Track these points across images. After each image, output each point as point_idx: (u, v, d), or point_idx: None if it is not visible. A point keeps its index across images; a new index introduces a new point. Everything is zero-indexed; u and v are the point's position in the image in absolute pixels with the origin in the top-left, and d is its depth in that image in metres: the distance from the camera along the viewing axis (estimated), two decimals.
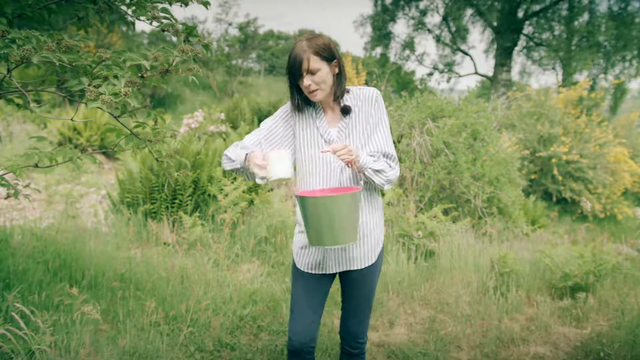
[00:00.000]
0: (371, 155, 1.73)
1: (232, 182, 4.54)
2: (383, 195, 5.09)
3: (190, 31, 1.53)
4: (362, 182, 1.74)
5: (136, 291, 3.13)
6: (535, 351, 2.92)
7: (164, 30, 1.51)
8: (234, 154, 1.75)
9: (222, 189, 4.50)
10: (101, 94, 1.25)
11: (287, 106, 1.85)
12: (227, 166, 1.78)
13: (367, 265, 1.83)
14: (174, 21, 1.52)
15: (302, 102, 1.78)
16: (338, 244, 1.58)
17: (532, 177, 9.82)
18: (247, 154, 1.71)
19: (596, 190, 9.62)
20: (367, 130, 1.77)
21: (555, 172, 9.45)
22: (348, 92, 1.79)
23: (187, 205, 4.66)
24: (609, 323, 3.25)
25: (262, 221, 4.31)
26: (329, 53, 1.70)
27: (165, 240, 4.21)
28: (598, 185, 9.58)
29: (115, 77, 1.30)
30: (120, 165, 7.43)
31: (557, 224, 8.94)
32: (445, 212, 5.36)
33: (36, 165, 1.44)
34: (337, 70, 1.74)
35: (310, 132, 1.79)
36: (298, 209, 1.81)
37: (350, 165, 1.66)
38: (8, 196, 1.48)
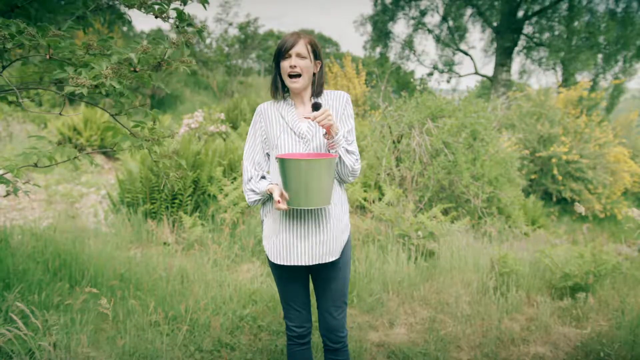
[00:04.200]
0: (346, 138, 1.83)
1: (232, 182, 4.54)
2: (381, 196, 5.09)
3: (179, 15, 1.52)
4: (334, 153, 1.82)
5: (136, 291, 3.13)
6: (535, 351, 2.92)
7: (156, 17, 1.49)
8: (256, 187, 1.86)
9: (222, 189, 4.50)
10: (81, 77, 1.23)
11: (255, 115, 1.94)
12: (252, 198, 1.89)
13: (332, 259, 1.87)
14: (164, 7, 1.50)
15: (280, 88, 1.89)
16: (312, 205, 1.67)
17: (532, 177, 9.81)
18: (268, 184, 1.84)
19: (596, 190, 9.61)
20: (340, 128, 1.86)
21: (555, 172, 9.44)
22: (321, 93, 1.92)
23: (187, 205, 4.66)
24: (609, 323, 3.25)
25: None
26: (317, 51, 1.85)
27: (165, 240, 4.21)
28: (598, 185, 9.56)
29: (98, 63, 1.28)
30: (120, 165, 7.44)
31: (557, 224, 8.93)
32: (445, 212, 5.36)
33: (35, 165, 1.44)
34: (317, 69, 1.88)
35: (281, 128, 1.87)
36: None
37: (327, 136, 1.75)
38: (7, 194, 1.48)
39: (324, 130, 1.76)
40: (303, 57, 1.79)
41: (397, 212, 4.54)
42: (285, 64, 1.80)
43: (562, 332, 3.16)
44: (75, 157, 1.47)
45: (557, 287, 3.71)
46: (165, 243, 4.19)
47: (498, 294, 3.53)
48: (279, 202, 1.73)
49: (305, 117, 1.71)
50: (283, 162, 1.65)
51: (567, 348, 2.98)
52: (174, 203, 4.66)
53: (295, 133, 1.84)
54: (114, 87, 1.29)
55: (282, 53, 1.79)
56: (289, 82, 1.82)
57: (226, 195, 4.39)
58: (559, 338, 3.09)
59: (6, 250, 3.19)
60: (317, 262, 1.84)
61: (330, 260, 1.86)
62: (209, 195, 4.76)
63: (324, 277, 1.94)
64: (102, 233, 4.42)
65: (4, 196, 1.49)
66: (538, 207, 8.08)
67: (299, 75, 1.80)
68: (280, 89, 1.90)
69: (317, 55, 1.85)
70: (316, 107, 1.82)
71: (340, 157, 1.80)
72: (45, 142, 7.65)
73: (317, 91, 1.89)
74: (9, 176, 1.55)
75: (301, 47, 1.78)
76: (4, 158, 1.38)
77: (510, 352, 2.89)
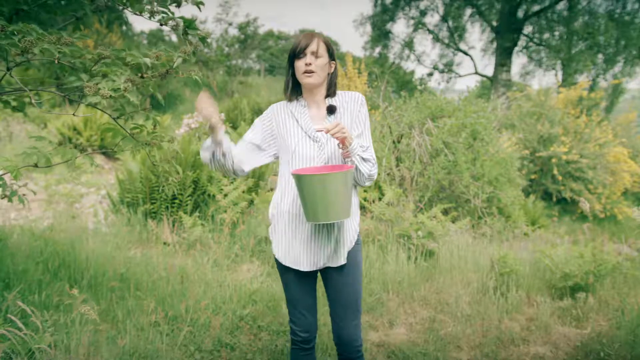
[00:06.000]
0: (360, 146, 1.78)
1: (232, 182, 4.54)
2: (381, 196, 5.09)
3: (189, 24, 1.52)
4: (350, 162, 1.77)
5: (136, 291, 3.13)
6: (535, 351, 2.92)
7: (162, 24, 1.50)
8: (205, 145, 1.78)
9: (221, 189, 4.50)
10: (100, 89, 1.24)
11: (266, 113, 1.90)
12: (206, 155, 1.78)
13: (339, 264, 1.84)
14: (171, 14, 1.50)
15: (293, 89, 1.86)
16: (331, 219, 1.64)
17: (532, 177, 9.80)
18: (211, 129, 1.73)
19: (596, 190, 9.60)
20: (353, 132, 1.83)
21: (555, 172, 9.44)
22: (335, 94, 1.89)
23: (187, 205, 4.66)
24: (609, 323, 3.25)
25: (262, 221, 4.31)
26: (331, 51, 1.84)
27: (165, 240, 4.21)
28: (598, 185, 9.56)
29: (115, 74, 1.29)
30: (120, 165, 7.43)
31: (557, 224, 8.93)
32: (445, 212, 5.36)
33: (35, 165, 1.44)
34: (332, 70, 1.85)
35: (293, 129, 1.83)
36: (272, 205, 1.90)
37: (341, 146, 1.70)
38: (4, 197, 1.47)
39: (338, 140, 1.71)
40: (318, 56, 1.77)
41: (397, 212, 4.54)
42: (300, 63, 1.78)
43: (562, 332, 3.16)
44: (75, 158, 1.47)
45: (557, 287, 3.71)
46: (165, 243, 4.18)
47: (498, 294, 3.53)
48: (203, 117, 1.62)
49: (317, 130, 1.65)
50: (299, 178, 1.63)
51: (567, 348, 2.97)
52: (174, 203, 4.66)
53: (309, 137, 1.80)
54: (130, 100, 1.30)
55: (296, 53, 1.78)
56: (302, 77, 1.79)
57: (226, 195, 4.39)
58: (559, 338, 3.09)
59: (6, 251, 3.19)
60: (323, 267, 1.82)
61: (338, 264, 1.83)
62: (208, 195, 4.76)
63: (334, 283, 1.90)
64: (102, 233, 4.42)
65: (1, 198, 1.49)
66: (538, 207, 8.08)
67: (313, 72, 1.78)
68: (293, 89, 1.86)
69: (331, 55, 1.83)
70: (331, 110, 1.80)
71: (355, 166, 1.75)
72: (46, 142, 7.65)
73: (330, 92, 1.87)
74: (7, 177, 1.54)
75: (316, 45, 1.77)
76: (4, 158, 1.38)
77: (510, 352, 2.89)
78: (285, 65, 1.86)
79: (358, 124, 1.84)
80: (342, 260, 1.84)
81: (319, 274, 2.00)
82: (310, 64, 1.76)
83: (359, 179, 1.80)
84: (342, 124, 1.64)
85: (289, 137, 1.82)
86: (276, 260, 1.94)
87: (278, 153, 1.89)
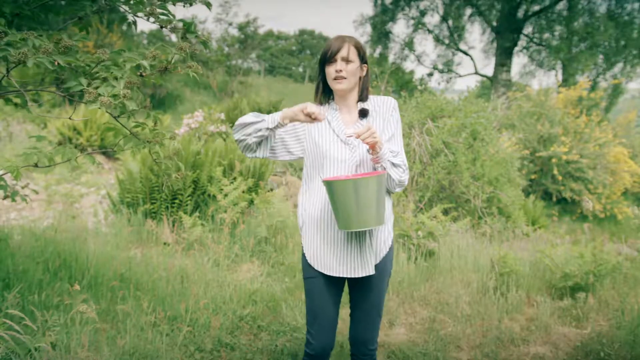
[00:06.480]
0: (391, 151, 1.75)
1: (232, 182, 4.54)
2: None
3: (188, 27, 1.52)
4: (379, 168, 1.74)
5: (136, 291, 3.13)
6: (535, 351, 2.92)
7: (162, 27, 1.50)
8: (260, 116, 1.77)
9: (221, 189, 4.50)
10: (100, 95, 1.25)
11: None
12: (254, 119, 1.76)
13: (370, 274, 1.80)
14: (171, 17, 1.51)
15: (324, 93, 1.85)
16: (365, 226, 1.60)
17: (532, 177, 9.81)
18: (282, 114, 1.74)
19: (596, 190, 9.61)
20: (384, 136, 1.81)
21: (555, 172, 9.45)
22: (367, 98, 1.86)
23: (187, 205, 4.66)
24: (609, 323, 3.25)
25: (262, 221, 4.31)
26: (363, 54, 1.82)
27: (165, 240, 4.21)
28: (598, 185, 9.57)
29: (115, 78, 1.29)
30: (120, 165, 7.43)
31: (557, 224, 8.94)
32: (445, 212, 5.36)
33: (36, 165, 1.44)
34: (364, 73, 1.84)
35: (325, 132, 1.81)
36: (301, 209, 1.85)
37: (371, 152, 1.68)
38: (6, 197, 1.48)
39: (368, 145, 1.68)
40: (349, 61, 1.75)
41: (397, 212, 4.54)
42: (330, 69, 1.76)
43: (562, 332, 3.16)
44: (75, 158, 1.48)
45: (557, 287, 3.71)
46: (165, 243, 4.18)
47: (498, 294, 3.54)
48: (312, 116, 1.65)
49: (348, 136, 1.64)
50: (330, 184, 1.59)
51: (567, 348, 2.98)
52: (174, 203, 4.66)
53: (341, 140, 1.78)
54: (130, 107, 1.30)
55: (327, 58, 1.76)
56: (333, 83, 1.78)
57: (225, 195, 4.39)
58: (559, 338, 3.09)
59: (6, 251, 3.19)
60: (354, 275, 1.78)
61: (368, 274, 1.79)
62: (208, 195, 4.76)
63: (362, 290, 1.87)
64: (102, 233, 4.42)
65: (3, 198, 1.50)
66: (538, 207, 8.09)
67: (344, 78, 1.76)
68: (324, 93, 1.85)
69: (362, 58, 1.81)
70: (363, 113, 1.78)
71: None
72: (46, 142, 7.66)
73: (363, 96, 1.84)
74: (8, 177, 1.55)
75: (346, 51, 1.74)
76: (5, 159, 1.38)
77: (510, 352, 2.89)
78: (317, 68, 1.84)
79: (389, 128, 1.82)
80: (372, 270, 1.79)
81: (346, 283, 1.94)
82: (340, 70, 1.74)
83: (389, 184, 1.77)
84: (374, 129, 1.61)
85: (321, 139, 1.80)
86: (304, 264, 1.87)
87: (302, 154, 1.86)
